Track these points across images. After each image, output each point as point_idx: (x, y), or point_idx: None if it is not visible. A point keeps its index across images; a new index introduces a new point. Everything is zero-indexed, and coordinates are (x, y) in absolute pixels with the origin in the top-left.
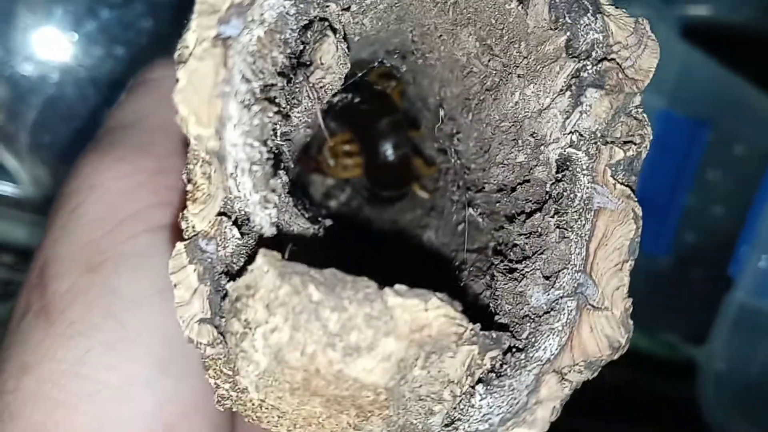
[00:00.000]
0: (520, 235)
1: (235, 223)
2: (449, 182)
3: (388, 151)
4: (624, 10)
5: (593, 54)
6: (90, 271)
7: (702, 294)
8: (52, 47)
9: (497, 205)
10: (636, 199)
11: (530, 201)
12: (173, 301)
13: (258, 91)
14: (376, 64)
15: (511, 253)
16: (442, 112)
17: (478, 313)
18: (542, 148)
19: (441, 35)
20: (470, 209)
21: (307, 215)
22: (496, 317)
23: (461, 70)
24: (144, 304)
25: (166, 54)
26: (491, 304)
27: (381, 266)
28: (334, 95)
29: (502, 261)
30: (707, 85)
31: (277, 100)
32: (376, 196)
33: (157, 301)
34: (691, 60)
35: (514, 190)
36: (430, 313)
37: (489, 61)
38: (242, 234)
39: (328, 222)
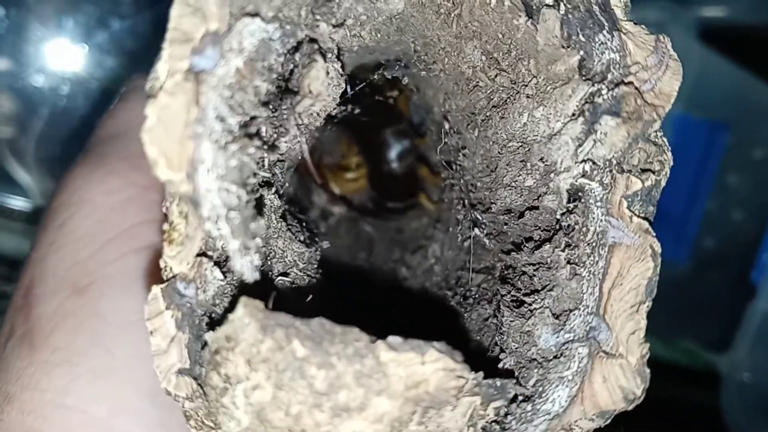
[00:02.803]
0: (528, 264)
1: (216, 263)
2: (454, 199)
3: (394, 161)
4: (643, 26)
5: (609, 76)
6: (76, 293)
7: (722, 300)
8: (62, 59)
9: (504, 226)
10: (654, 234)
11: (539, 228)
12: None
13: (236, 128)
14: (376, 76)
15: (519, 282)
16: (447, 125)
17: (482, 345)
18: (552, 175)
19: (445, 47)
20: (476, 229)
21: (302, 238)
22: (502, 355)
23: (467, 83)
24: (131, 330)
25: None
26: (497, 339)
27: (382, 285)
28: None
29: (509, 291)
30: (725, 88)
31: (260, 133)
32: (383, 206)
33: (144, 326)
34: (708, 62)
35: (522, 215)
36: (427, 367)
37: (496, 76)
38: (225, 273)
39: (325, 244)
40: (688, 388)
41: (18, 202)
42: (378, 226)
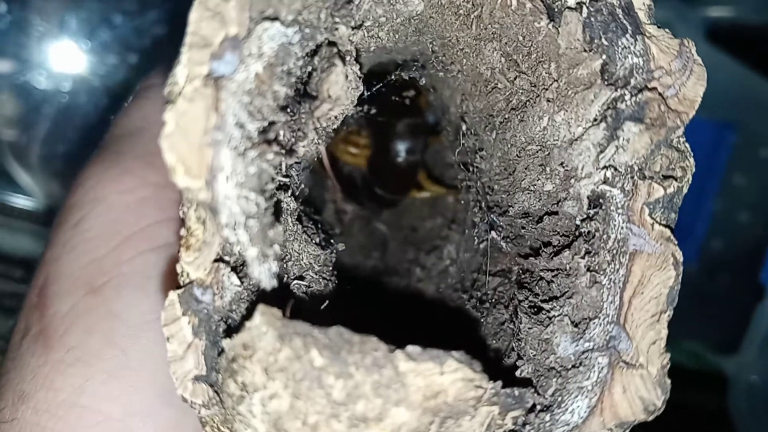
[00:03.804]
0: (547, 270)
1: (234, 269)
2: (471, 201)
3: (401, 152)
4: (667, 30)
5: (632, 81)
6: (91, 292)
7: (729, 302)
8: (65, 56)
9: (522, 230)
10: (676, 242)
11: (558, 233)
12: None
13: (255, 134)
14: (393, 77)
15: (537, 288)
16: (464, 126)
17: (499, 350)
18: (572, 181)
19: (463, 48)
20: (493, 232)
21: (317, 240)
22: (519, 362)
23: (485, 85)
24: (146, 329)
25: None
26: (514, 345)
27: (397, 285)
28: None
29: (527, 297)
30: (732, 88)
31: (278, 138)
32: (372, 192)
33: (159, 326)
34: (715, 62)
35: (540, 220)
36: (446, 377)
37: (515, 78)
38: (241, 279)
39: (341, 246)
40: (695, 390)
41: (21, 201)
42: (392, 225)
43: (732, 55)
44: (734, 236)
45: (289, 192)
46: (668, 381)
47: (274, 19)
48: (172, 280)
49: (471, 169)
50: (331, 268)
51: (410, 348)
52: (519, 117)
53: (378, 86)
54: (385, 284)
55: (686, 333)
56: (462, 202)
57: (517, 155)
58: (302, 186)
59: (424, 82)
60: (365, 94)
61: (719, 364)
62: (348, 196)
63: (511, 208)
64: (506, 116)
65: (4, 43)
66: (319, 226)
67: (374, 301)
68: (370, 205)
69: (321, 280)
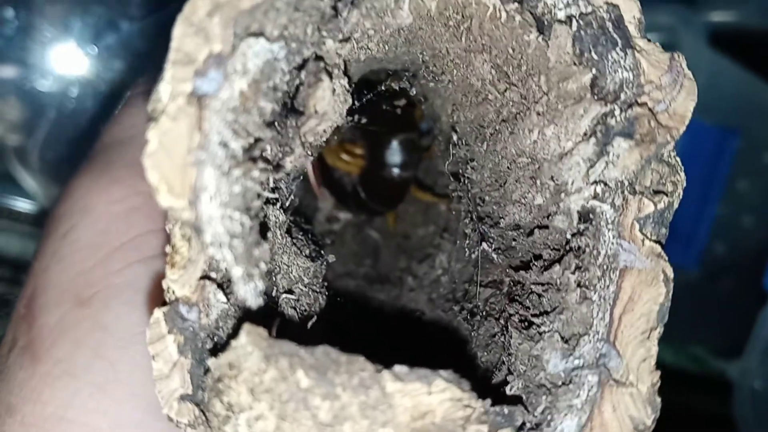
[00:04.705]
0: (537, 284)
1: (220, 285)
2: (462, 211)
3: (394, 168)
4: (657, 44)
5: (622, 96)
6: (80, 304)
7: (732, 306)
8: (71, 61)
9: (513, 242)
10: (666, 258)
11: (548, 247)
12: None
13: (240, 153)
14: (383, 86)
15: (528, 301)
16: (455, 136)
17: (489, 364)
18: (562, 195)
19: (453, 59)
20: (484, 243)
21: (307, 252)
22: (509, 377)
23: (476, 96)
24: (135, 342)
25: None
26: (504, 359)
27: (388, 298)
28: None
29: (517, 311)
30: (735, 93)
31: (264, 155)
32: (361, 201)
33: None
34: (719, 67)
35: (531, 233)
36: (434, 397)
37: (506, 90)
38: (228, 296)
39: (331, 258)
40: (697, 395)
41: (24, 205)
42: (384, 233)
43: (735, 60)
44: (737, 241)
45: (278, 205)
46: (658, 399)
47: (259, 34)
48: (157, 296)
49: (462, 179)
50: (321, 280)
51: (397, 368)
52: (509, 129)
53: (368, 96)
54: (376, 293)
55: (689, 337)
56: (454, 211)
57: (507, 167)
58: (292, 197)
59: (415, 92)
60: (355, 104)
61: (722, 369)
62: (339, 202)
63: (502, 220)
64: (497, 127)
65: (10, 49)
66: (310, 236)
67: (365, 312)
68: (358, 213)
69: (310, 293)
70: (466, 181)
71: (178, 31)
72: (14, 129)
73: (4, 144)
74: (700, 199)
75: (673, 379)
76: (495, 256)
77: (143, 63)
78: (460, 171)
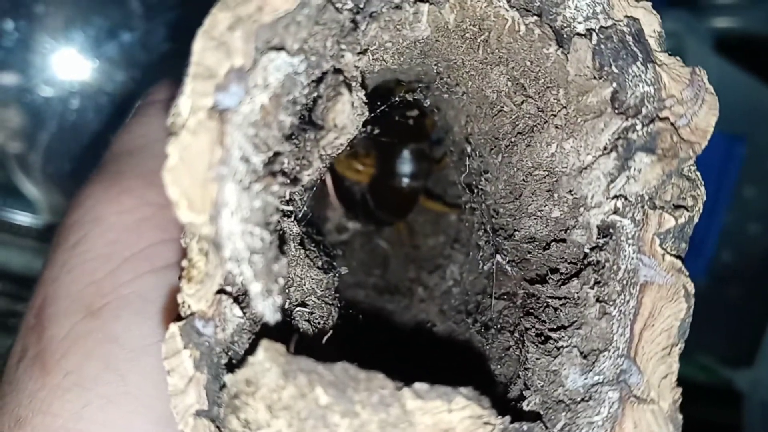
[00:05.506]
0: (554, 298)
1: (236, 299)
2: (475, 223)
3: (404, 179)
4: (677, 58)
5: (643, 110)
6: (90, 315)
7: (740, 315)
8: (72, 72)
9: (528, 255)
10: (687, 273)
11: (566, 261)
12: None
13: (260, 167)
14: (397, 98)
15: (544, 315)
16: (468, 148)
17: (503, 377)
18: (581, 209)
19: (469, 71)
20: (498, 255)
21: (320, 263)
22: (526, 392)
23: (491, 107)
24: (145, 353)
25: None
26: (521, 373)
27: (399, 309)
28: None
29: (533, 324)
30: (741, 99)
31: (283, 169)
32: (369, 210)
33: (158, 351)
34: (724, 73)
35: (548, 246)
36: (454, 414)
37: (522, 102)
38: (244, 309)
39: (343, 270)
40: (705, 404)
41: (26, 219)
42: (393, 242)
43: (740, 67)
44: (745, 248)
45: (292, 217)
46: (680, 416)
47: (280, 48)
48: (172, 310)
49: (475, 190)
50: (333, 292)
51: (417, 385)
52: (526, 141)
53: (381, 108)
54: (385, 304)
55: (696, 346)
56: (466, 223)
57: (523, 180)
58: (305, 209)
59: (428, 103)
60: (369, 116)
61: (730, 377)
62: (348, 211)
63: (517, 233)
64: (512, 140)
65: (11, 58)
66: (322, 248)
67: (375, 322)
68: (367, 223)
69: (323, 305)
70: (479, 193)
71: (199, 45)
72: (15, 137)
73: (5, 151)
74: (708, 208)
75: (681, 387)
76: (509, 268)
77: (144, 73)
78: (474, 182)
